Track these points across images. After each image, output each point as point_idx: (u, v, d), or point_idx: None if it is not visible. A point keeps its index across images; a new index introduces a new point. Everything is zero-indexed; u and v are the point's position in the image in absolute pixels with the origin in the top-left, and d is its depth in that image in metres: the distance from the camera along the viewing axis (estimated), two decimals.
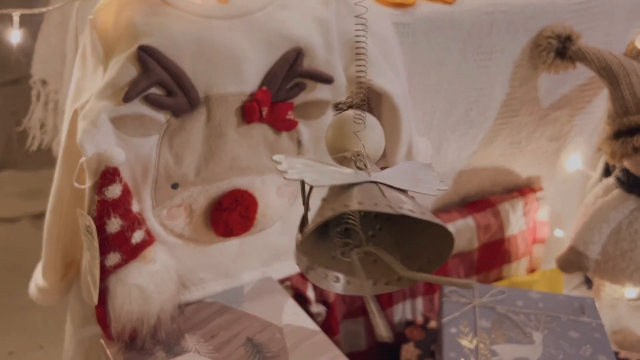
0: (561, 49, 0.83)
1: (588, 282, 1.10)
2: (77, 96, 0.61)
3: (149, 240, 0.59)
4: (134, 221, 0.57)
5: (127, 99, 0.57)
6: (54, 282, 0.67)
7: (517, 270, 0.98)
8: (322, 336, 0.65)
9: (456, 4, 0.77)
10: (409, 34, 0.74)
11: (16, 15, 0.63)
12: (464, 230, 0.91)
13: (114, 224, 0.56)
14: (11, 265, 1.17)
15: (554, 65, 0.84)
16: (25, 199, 1.33)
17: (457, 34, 0.77)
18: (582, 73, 0.90)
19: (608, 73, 0.81)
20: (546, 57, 0.84)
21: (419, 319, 0.88)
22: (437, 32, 0.76)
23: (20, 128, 0.93)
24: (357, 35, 0.50)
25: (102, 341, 0.62)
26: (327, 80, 0.65)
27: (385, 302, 0.87)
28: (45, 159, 1.08)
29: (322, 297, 0.81)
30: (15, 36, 0.66)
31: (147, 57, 0.57)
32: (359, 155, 0.47)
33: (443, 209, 0.94)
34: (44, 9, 0.65)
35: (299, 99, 0.66)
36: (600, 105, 0.97)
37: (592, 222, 0.86)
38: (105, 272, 0.57)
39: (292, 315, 0.68)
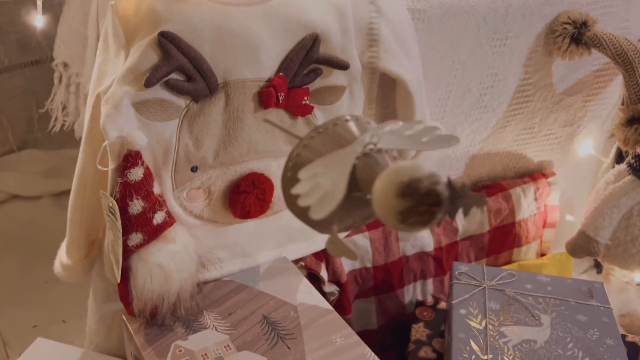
0: (577, 34, 0.83)
1: (597, 267, 1.11)
2: (99, 80, 0.63)
3: (169, 221, 0.61)
4: (155, 203, 0.59)
5: (148, 84, 0.58)
6: (78, 260, 0.70)
7: (527, 254, 0.99)
8: (335, 315, 0.67)
9: None
10: (424, 20, 0.74)
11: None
12: (475, 214, 0.92)
13: (136, 206, 0.58)
14: (33, 242, 1.20)
15: (569, 51, 0.85)
16: (47, 178, 1.36)
17: (472, 20, 0.78)
18: (597, 58, 0.90)
19: (623, 59, 0.81)
20: (561, 43, 0.84)
21: (429, 300, 0.90)
22: (452, 18, 0.76)
23: (43, 110, 0.95)
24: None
25: (124, 317, 0.65)
26: (342, 66, 0.66)
27: (397, 283, 0.89)
28: (65, 138, 1.11)
29: (334, 277, 0.83)
30: (39, 20, 0.68)
31: (167, 43, 0.59)
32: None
33: None
34: None
35: (315, 85, 0.67)
36: (615, 91, 0.97)
37: (603, 207, 0.87)
38: (127, 252, 0.59)
39: (306, 294, 0.70)
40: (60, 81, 0.90)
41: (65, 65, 0.89)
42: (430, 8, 0.75)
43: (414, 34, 0.72)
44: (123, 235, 0.58)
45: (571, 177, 1.03)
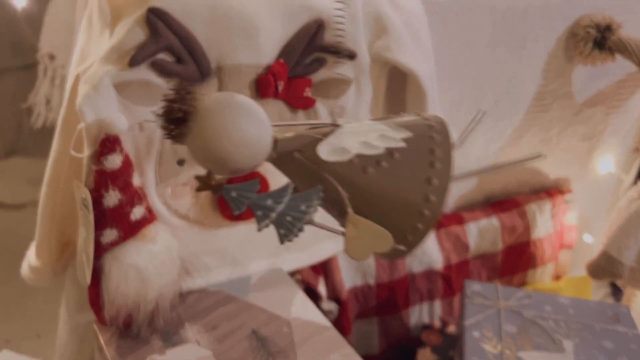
0: (600, 39, 0.78)
1: (616, 294, 1.04)
2: (81, 62, 0.57)
3: (149, 217, 0.54)
4: (134, 195, 0.53)
5: (133, 63, 0.52)
6: (48, 262, 0.62)
7: (542, 276, 0.92)
8: (333, 332, 0.59)
9: None
10: (438, 13, 0.69)
11: None
12: (487, 231, 0.85)
13: (112, 197, 0.51)
14: (13, 252, 1.13)
15: (592, 57, 0.79)
16: (33, 186, 1.30)
17: (489, 16, 0.72)
18: (619, 68, 0.84)
19: None
20: (583, 48, 0.78)
21: (437, 323, 0.82)
22: (469, 13, 0.71)
23: (26, 105, 0.89)
24: None
25: (95, 327, 0.58)
26: (349, 55, 0.60)
27: (402, 303, 0.82)
28: None
29: (334, 294, 0.76)
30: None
31: (156, 20, 0.53)
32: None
33: (466, 207, 0.88)
34: None
35: (318, 76, 0.61)
36: (637, 104, 0.91)
37: (628, 226, 0.80)
38: (100, 250, 0.52)
39: (302, 308, 0.62)
40: (45, 73, 0.84)
41: (52, 56, 0.83)
42: (445, 1, 0.69)
43: (427, 26, 0.67)
44: (96, 231, 0.51)
45: (589, 196, 0.96)
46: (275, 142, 0.39)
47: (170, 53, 0.54)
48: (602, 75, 0.85)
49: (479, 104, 0.79)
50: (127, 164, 0.53)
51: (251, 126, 0.37)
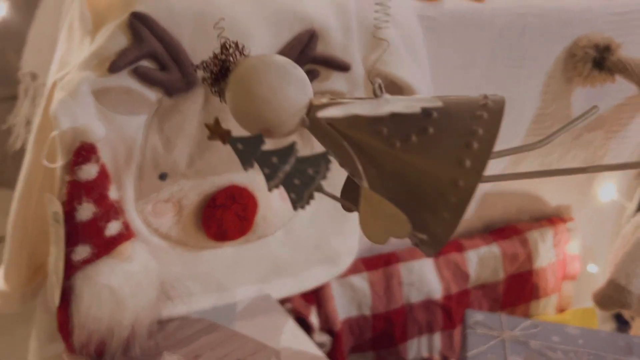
0: (599, 59, 0.76)
1: (622, 329, 0.99)
2: (59, 71, 0.54)
3: (126, 233, 0.50)
4: (110, 209, 0.49)
5: (114, 69, 0.49)
6: (17, 285, 0.58)
7: (546, 308, 0.87)
8: None
9: (486, 2, 0.70)
10: (434, 29, 0.67)
11: None
12: (488, 259, 0.81)
13: (86, 210, 0.47)
14: None
15: (591, 78, 0.77)
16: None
17: (486, 34, 0.70)
18: (619, 92, 0.82)
19: None
20: (582, 68, 0.76)
21: (436, 357, 0.77)
22: (465, 30, 0.69)
23: (5, 126, 0.85)
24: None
25: (64, 357, 0.52)
26: (343, 67, 0.58)
27: (399, 336, 0.77)
28: None
29: (327, 325, 0.71)
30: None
31: (139, 24, 0.50)
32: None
33: (465, 235, 0.85)
34: None
35: None
36: (638, 129, 0.89)
37: (636, 252, 0.76)
38: (71, 268, 0.48)
39: (292, 337, 0.58)
40: (26, 93, 0.81)
41: (34, 76, 0.80)
42: (441, 16, 0.67)
43: (423, 41, 0.64)
44: (67, 247, 0.47)
45: (591, 224, 0.93)
46: (310, 106, 0.36)
47: (154, 60, 0.51)
48: (601, 98, 0.82)
49: None
50: (103, 175, 0.49)
51: (284, 84, 0.35)
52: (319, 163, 0.35)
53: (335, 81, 0.59)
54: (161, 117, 0.53)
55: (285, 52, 0.55)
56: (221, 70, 0.40)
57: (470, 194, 0.29)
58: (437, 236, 0.31)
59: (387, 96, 0.35)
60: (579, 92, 0.81)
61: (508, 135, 0.80)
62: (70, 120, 0.48)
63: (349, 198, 0.38)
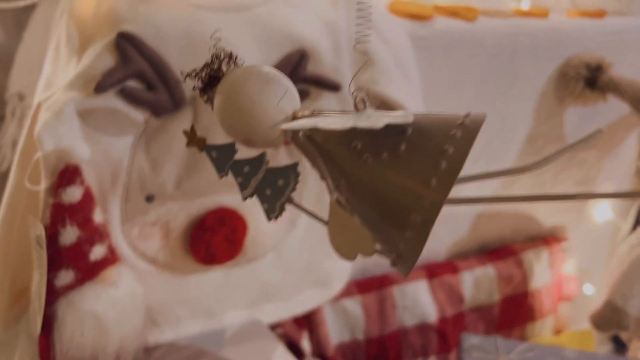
0: (591, 78, 0.76)
1: (620, 350, 0.97)
2: (45, 93, 0.53)
3: (111, 258, 0.49)
4: (95, 233, 0.47)
5: (100, 89, 0.48)
6: None
7: (542, 331, 0.86)
8: None
9: (477, 22, 0.70)
10: (426, 49, 0.66)
11: None
12: (483, 281, 0.80)
13: (69, 234, 0.46)
14: None
15: (583, 97, 0.77)
16: None
17: (477, 53, 0.70)
18: (611, 111, 0.82)
19: None
20: (574, 87, 0.76)
21: None
22: (457, 49, 0.69)
23: None
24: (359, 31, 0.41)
25: None
26: (333, 87, 0.57)
27: None
28: None
29: (319, 350, 0.70)
30: None
31: (126, 44, 0.49)
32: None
33: (460, 256, 0.83)
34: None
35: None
36: (631, 148, 0.89)
37: (632, 272, 0.75)
38: (53, 294, 0.46)
39: None
40: (13, 114, 0.80)
41: (21, 97, 0.79)
42: (433, 37, 0.67)
43: (414, 60, 0.64)
44: (49, 272, 0.46)
45: (586, 244, 0.92)
46: (294, 118, 0.35)
47: (141, 80, 0.50)
48: (593, 117, 0.82)
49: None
50: (87, 198, 0.47)
51: (265, 95, 0.34)
52: (289, 174, 0.35)
53: (326, 101, 0.58)
54: (148, 138, 0.52)
55: None
56: (211, 79, 0.39)
57: (434, 214, 0.28)
58: (404, 256, 0.30)
59: (369, 111, 0.34)
60: (571, 112, 0.81)
61: (501, 154, 0.79)
62: (54, 142, 0.47)
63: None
